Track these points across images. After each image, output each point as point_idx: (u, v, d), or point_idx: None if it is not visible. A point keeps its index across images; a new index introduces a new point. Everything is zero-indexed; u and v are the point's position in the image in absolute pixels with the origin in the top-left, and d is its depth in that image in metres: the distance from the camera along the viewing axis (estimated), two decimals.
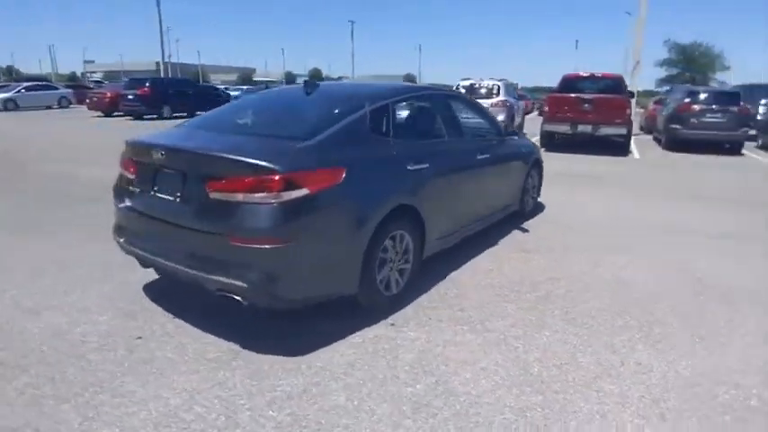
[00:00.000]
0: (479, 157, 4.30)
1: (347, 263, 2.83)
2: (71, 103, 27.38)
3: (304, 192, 2.55)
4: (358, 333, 2.98)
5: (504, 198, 4.97)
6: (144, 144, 3.07)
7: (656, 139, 14.48)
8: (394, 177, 3.17)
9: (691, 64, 45.55)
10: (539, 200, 6.22)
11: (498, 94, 13.48)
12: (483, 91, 13.63)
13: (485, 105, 13.00)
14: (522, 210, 5.56)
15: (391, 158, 3.21)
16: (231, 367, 2.62)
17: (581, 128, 11.84)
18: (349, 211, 2.82)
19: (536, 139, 11.70)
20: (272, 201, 2.51)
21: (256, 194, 2.51)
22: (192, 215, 2.73)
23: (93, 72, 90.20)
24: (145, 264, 3.16)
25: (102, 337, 2.90)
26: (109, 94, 20.75)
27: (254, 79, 74.84)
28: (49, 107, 26.17)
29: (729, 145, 11.97)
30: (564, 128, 11.97)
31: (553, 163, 8.25)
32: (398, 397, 2.39)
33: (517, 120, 14.61)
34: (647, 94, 36.75)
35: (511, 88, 15.25)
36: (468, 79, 14.61)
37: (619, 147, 12.03)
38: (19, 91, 25.45)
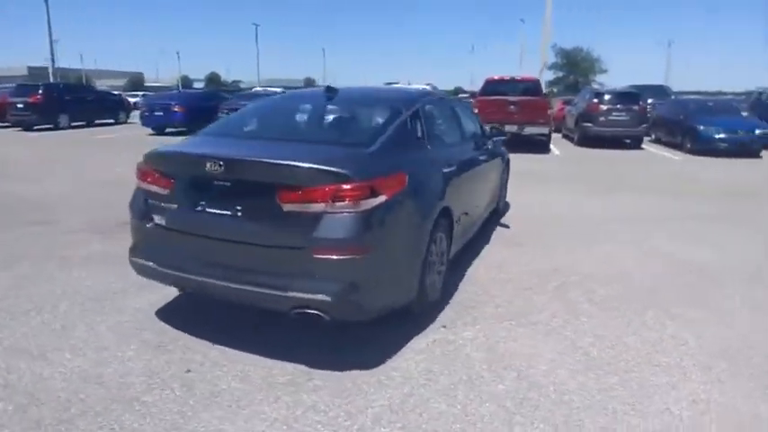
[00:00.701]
0: (481, 158, 4.48)
1: (413, 269, 2.82)
2: None
3: (382, 198, 2.50)
4: (415, 339, 2.97)
5: (492, 196, 5.21)
6: (190, 155, 2.81)
7: (567, 137, 15.89)
8: (437, 180, 3.21)
9: (574, 67, 50.55)
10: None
11: None
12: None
13: None
14: (498, 207, 5.86)
15: (431, 161, 3.25)
16: (311, 389, 2.48)
17: (508, 128, 12.60)
18: (413, 216, 2.82)
19: None
20: (357, 209, 2.43)
21: (339, 203, 2.42)
22: (261, 230, 2.55)
23: None
24: (183, 287, 2.90)
25: (146, 376, 2.59)
26: None
27: (146, 84, 69.25)
28: None
29: (630, 140, 13.53)
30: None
31: None
32: (495, 395, 2.44)
33: None
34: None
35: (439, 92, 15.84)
36: (396, 83, 14.93)
37: (541, 145, 13.04)
38: None
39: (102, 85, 65.89)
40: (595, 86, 44.31)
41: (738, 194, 7.65)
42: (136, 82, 73.20)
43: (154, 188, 2.85)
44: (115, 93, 25.74)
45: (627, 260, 4.46)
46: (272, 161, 2.55)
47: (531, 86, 14.00)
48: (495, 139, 5.54)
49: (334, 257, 2.43)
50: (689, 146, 12.14)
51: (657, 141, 14.34)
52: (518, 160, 12.03)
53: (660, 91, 17.88)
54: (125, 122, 20.79)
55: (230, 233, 2.61)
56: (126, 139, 14.81)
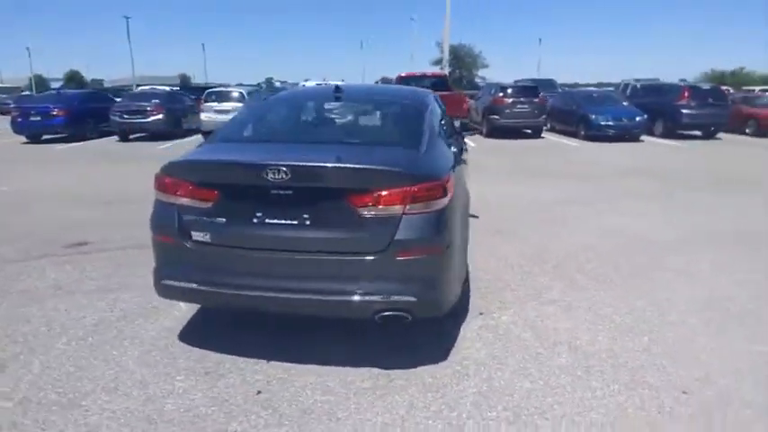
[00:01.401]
0: (462, 152, 4.71)
1: (465, 260, 2.94)
2: None
3: (450, 196, 2.57)
4: (462, 328, 3.10)
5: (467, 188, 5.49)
6: (242, 163, 2.60)
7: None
8: (459, 176, 3.34)
9: (459, 63, 53.68)
10: None
11: None
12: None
13: None
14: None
15: (451, 158, 3.37)
16: (399, 388, 2.51)
17: None
18: (461, 213, 2.93)
19: None
20: (433, 209, 2.47)
21: (417, 204, 2.43)
22: (335, 237, 2.47)
23: None
24: (233, 305, 2.70)
25: (216, 405, 2.40)
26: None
27: None
28: None
29: (532, 130, 14.89)
30: None
31: None
32: (562, 368, 2.68)
33: None
34: None
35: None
36: (309, 80, 14.78)
37: None
38: None
39: None
40: (478, 81, 47.77)
41: (640, 174, 8.89)
42: None
43: (190, 202, 2.60)
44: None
45: (589, 237, 5.02)
46: (346, 166, 2.48)
47: (440, 81, 14.76)
48: (463, 133, 5.83)
49: (416, 258, 2.46)
50: (582, 133, 13.73)
51: (553, 130, 15.95)
52: None
53: (549, 84, 19.93)
54: None
55: (299, 244, 2.50)
56: None
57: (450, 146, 3.81)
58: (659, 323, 3.18)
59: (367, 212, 2.43)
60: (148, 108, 13.61)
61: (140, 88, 18.25)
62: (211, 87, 17.18)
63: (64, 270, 4.14)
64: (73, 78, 74.07)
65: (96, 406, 2.40)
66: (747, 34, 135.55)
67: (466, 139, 15.05)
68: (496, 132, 14.64)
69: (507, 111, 14.43)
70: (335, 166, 2.49)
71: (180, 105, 15.06)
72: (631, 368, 2.68)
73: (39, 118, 14.44)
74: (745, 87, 27.01)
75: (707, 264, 4.25)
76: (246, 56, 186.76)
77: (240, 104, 14.35)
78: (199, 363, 2.75)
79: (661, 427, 2.24)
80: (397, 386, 2.53)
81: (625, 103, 14.29)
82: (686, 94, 13.46)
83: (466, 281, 3.46)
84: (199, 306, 3.34)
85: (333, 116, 3.57)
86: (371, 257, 2.44)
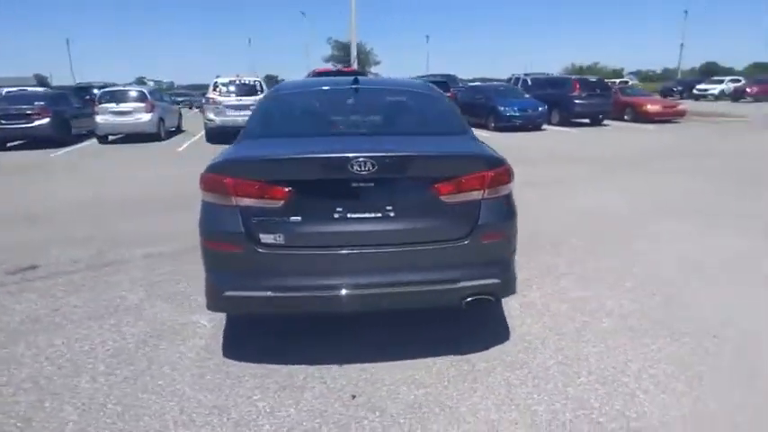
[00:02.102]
0: None
1: None
2: None
3: (513, 180, 2.67)
4: (505, 308, 3.23)
5: None
6: (324, 157, 2.42)
7: None
8: None
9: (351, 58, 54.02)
10: None
11: (262, 90, 13.40)
12: (245, 87, 13.25)
13: (249, 102, 12.87)
14: None
15: None
16: (487, 371, 2.58)
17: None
18: None
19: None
20: (504, 192, 2.56)
21: (494, 188, 2.50)
22: (421, 227, 2.44)
23: None
24: (311, 310, 2.54)
25: (320, 418, 2.26)
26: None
27: None
28: None
29: None
30: None
31: None
32: (615, 331, 2.96)
33: None
34: None
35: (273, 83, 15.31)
36: (221, 76, 13.89)
37: None
38: None
39: None
40: (370, 77, 48.58)
41: (564, 158, 9.82)
42: None
43: (258, 202, 2.38)
44: None
45: (563, 217, 5.49)
46: (432, 153, 2.46)
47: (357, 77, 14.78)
48: None
49: (496, 241, 2.53)
50: (492, 124, 14.73)
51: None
52: None
53: (452, 79, 21.00)
54: None
55: (383, 237, 2.42)
56: None
57: None
58: (673, 282, 3.63)
59: (450, 199, 2.45)
60: (31, 111, 11.75)
61: (6, 90, 15.57)
62: (107, 87, 15.37)
63: (29, 299, 3.51)
64: None
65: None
66: (601, 34, 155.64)
67: None
68: None
69: None
70: (422, 155, 2.47)
71: (68, 107, 13.24)
72: (663, 322, 3.03)
73: None
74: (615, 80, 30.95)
75: (659, 229, 4.90)
76: (116, 53, 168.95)
77: (143, 104, 13.09)
78: (267, 378, 2.55)
79: (716, 365, 2.58)
80: (482, 369, 2.60)
81: (527, 96, 15.60)
82: (577, 86, 15.12)
83: None
84: (224, 320, 3.09)
85: (365, 107, 3.47)
86: (458, 244, 2.46)
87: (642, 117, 16.05)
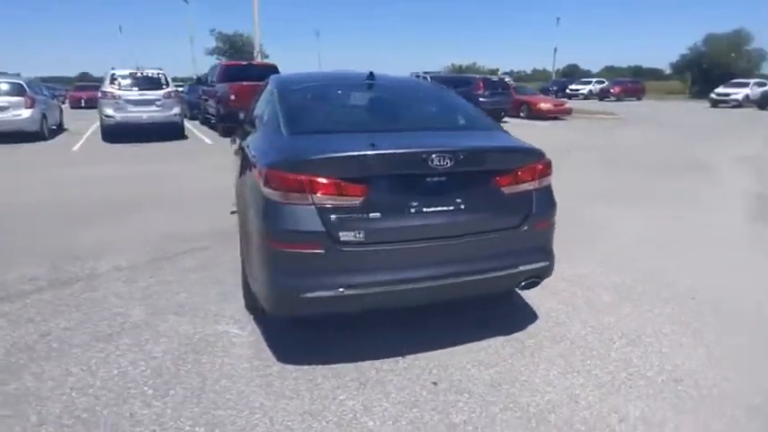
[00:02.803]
0: None
1: None
2: None
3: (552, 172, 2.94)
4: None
5: None
6: (400, 152, 2.46)
7: None
8: None
9: (238, 52, 51.59)
10: None
11: (167, 84, 12.35)
12: (148, 80, 12.09)
13: (153, 96, 11.91)
14: None
15: None
16: (537, 346, 2.84)
17: None
18: None
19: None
20: (547, 183, 2.82)
21: (542, 179, 2.75)
22: (486, 217, 2.61)
23: None
24: (385, 304, 2.57)
25: (416, 407, 2.32)
26: None
27: None
28: None
29: None
30: None
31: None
32: (615, 302, 3.39)
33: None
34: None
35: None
36: (115, 69, 12.51)
37: None
38: None
39: None
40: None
41: None
42: None
43: (336, 200, 2.35)
44: None
45: None
46: (495, 148, 2.65)
47: (269, 71, 14.30)
48: None
49: (544, 228, 2.79)
50: None
51: None
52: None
53: None
54: None
55: (455, 229, 2.54)
56: None
57: None
58: (685, 249, 4.34)
59: (510, 190, 2.65)
60: None
61: None
62: None
63: (16, 325, 2.99)
64: None
65: None
66: (479, 36, 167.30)
67: None
68: None
69: None
70: (488, 149, 2.67)
71: None
72: (666, 283, 3.60)
73: None
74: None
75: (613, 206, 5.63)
76: None
77: (21, 98, 11.28)
78: (340, 377, 2.53)
79: (705, 320, 3.12)
80: (532, 345, 2.85)
81: None
82: (481, 84, 16.28)
83: None
84: (256, 327, 2.98)
85: (398, 102, 3.53)
86: (516, 232, 2.68)
87: (536, 114, 17.86)
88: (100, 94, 11.81)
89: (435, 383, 2.49)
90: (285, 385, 2.46)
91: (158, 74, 12.43)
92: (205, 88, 15.46)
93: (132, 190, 6.78)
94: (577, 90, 36.59)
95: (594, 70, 71.31)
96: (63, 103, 22.19)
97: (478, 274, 2.60)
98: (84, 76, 56.61)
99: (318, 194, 2.34)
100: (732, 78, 31.86)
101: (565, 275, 3.79)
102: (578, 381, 2.51)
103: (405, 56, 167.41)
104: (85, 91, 26.79)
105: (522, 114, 18.18)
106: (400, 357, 2.70)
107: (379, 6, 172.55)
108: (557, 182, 2.94)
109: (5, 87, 11.39)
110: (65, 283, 3.64)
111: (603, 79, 40.57)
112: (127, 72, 11.99)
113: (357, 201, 2.38)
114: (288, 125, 2.81)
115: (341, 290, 2.38)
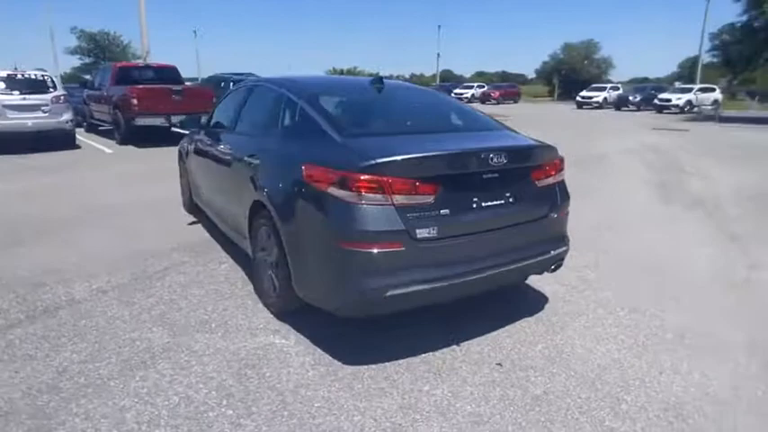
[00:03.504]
0: None
1: None
2: None
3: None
4: (548, 284, 3.85)
5: None
6: (466, 152, 2.69)
7: None
8: None
9: (105, 52, 46.78)
10: None
11: (54, 87, 10.86)
12: (31, 83, 10.52)
13: (39, 101, 10.57)
14: None
15: None
16: (566, 321, 3.17)
17: (174, 119, 11.88)
18: None
19: None
20: (562, 176, 3.17)
21: (560, 173, 3.11)
22: (527, 209, 2.88)
23: None
24: (451, 296, 2.72)
25: (490, 386, 2.51)
26: None
27: None
28: None
29: None
30: (159, 120, 11.59)
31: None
32: (622, 275, 3.89)
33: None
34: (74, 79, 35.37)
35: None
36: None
37: None
38: None
39: None
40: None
41: None
42: None
43: (413, 199, 2.47)
44: None
45: None
46: (532, 146, 2.95)
47: (170, 72, 13.37)
48: None
49: (565, 216, 3.15)
50: None
51: None
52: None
53: (251, 76, 20.49)
54: None
55: (506, 220, 2.77)
56: None
57: None
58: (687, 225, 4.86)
59: (542, 183, 2.98)
60: None
61: None
62: None
63: (15, 365, 2.54)
64: None
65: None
66: (360, 42, 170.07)
67: None
68: None
69: None
70: (528, 147, 2.96)
71: None
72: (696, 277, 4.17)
73: None
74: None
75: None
76: None
77: None
78: (411, 371, 2.62)
79: (683, 288, 3.74)
80: (557, 322, 3.18)
81: None
82: None
83: None
84: (299, 333, 2.96)
85: (419, 107, 3.67)
86: (547, 220, 3.00)
87: None
88: None
89: (500, 364, 2.70)
90: (366, 385, 2.49)
91: (43, 75, 10.91)
92: (91, 92, 13.85)
93: (45, 206, 5.95)
94: (461, 94, 39.37)
95: (467, 75, 77.16)
96: None
97: (523, 261, 2.87)
98: None
99: (397, 194, 2.43)
100: (587, 83, 37.02)
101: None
102: (613, 346, 2.89)
103: (285, 58, 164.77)
104: None
105: None
106: (455, 346, 2.86)
107: (259, 3, 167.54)
108: None
109: None
110: (45, 313, 3.19)
111: (484, 84, 44.16)
112: (5, 74, 10.32)
113: (430, 198, 2.51)
114: (337, 130, 2.81)
115: (423, 285, 2.48)
